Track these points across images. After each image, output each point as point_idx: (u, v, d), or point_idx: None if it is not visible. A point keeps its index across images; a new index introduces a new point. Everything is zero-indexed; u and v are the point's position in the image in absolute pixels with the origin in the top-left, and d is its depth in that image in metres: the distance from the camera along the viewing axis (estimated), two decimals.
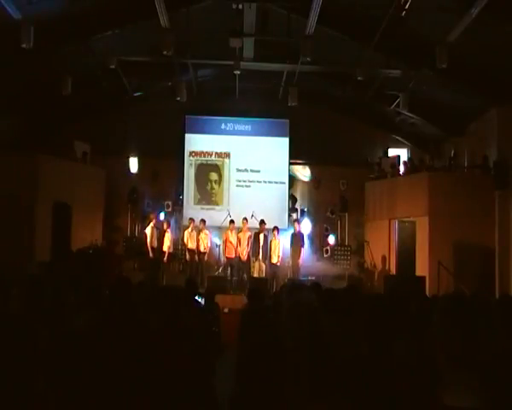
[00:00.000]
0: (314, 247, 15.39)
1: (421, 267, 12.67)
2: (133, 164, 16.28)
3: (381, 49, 11.71)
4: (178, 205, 16.06)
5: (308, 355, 2.48)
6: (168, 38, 10.76)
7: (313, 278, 12.75)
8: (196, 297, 7.37)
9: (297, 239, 13.77)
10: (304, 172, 16.76)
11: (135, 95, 15.30)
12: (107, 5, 11.14)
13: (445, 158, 14.88)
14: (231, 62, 12.48)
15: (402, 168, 14.98)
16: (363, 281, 13.97)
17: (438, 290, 11.35)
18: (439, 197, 12.75)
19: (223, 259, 14.29)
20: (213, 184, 16.36)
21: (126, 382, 2.95)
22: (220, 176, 16.35)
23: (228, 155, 16.35)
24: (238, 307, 9.31)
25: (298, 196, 16.49)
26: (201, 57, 13.16)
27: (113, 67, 12.31)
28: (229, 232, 13.89)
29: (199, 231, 13.96)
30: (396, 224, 14.05)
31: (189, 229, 14.06)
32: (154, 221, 13.91)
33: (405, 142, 16.85)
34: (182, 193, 16.13)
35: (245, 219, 14.14)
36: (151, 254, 13.62)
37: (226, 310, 10.69)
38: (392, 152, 16.22)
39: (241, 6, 10.75)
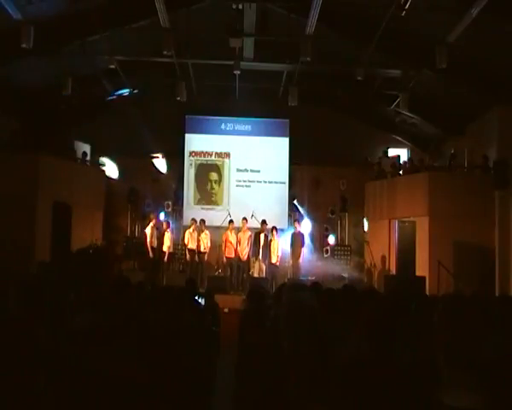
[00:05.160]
0: (314, 247, 15.38)
1: (421, 267, 12.65)
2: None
3: (381, 49, 11.72)
4: (178, 205, 16.06)
5: (308, 355, 2.49)
6: (168, 38, 10.77)
7: (313, 278, 12.75)
8: (196, 297, 7.37)
9: (297, 239, 13.75)
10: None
11: (135, 95, 15.28)
12: (106, 5, 11.15)
13: (445, 158, 14.86)
14: (231, 62, 12.48)
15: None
16: (363, 281, 13.96)
17: (438, 290, 11.35)
18: (439, 197, 12.75)
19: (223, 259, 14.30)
20: (213, 184, 16.36)
21: (126, 382, 2.95)
22: (220, 176, 16.34)
23: (228, 155, 16.34)
24: (238, 307, 9.29)
25: (298, 196, 16.47)
26: (201, 57, 13.17)
27: (113, 67, 12.31)
28: (229, 232, 13.89)
29: (199, 232, 13.96)
30: (396, 224, 14.02)
31: (191, 229, 14.04)
32: (153, 221, 13.92)
33: (405, 142, 16.84)
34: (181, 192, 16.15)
35: (245, 218, 14.13)
36: (151, 254, 13.63)
37: (226, 310, 10.68)
38: (392, 152, 16.20)
39: (241, 6, 10.75)
